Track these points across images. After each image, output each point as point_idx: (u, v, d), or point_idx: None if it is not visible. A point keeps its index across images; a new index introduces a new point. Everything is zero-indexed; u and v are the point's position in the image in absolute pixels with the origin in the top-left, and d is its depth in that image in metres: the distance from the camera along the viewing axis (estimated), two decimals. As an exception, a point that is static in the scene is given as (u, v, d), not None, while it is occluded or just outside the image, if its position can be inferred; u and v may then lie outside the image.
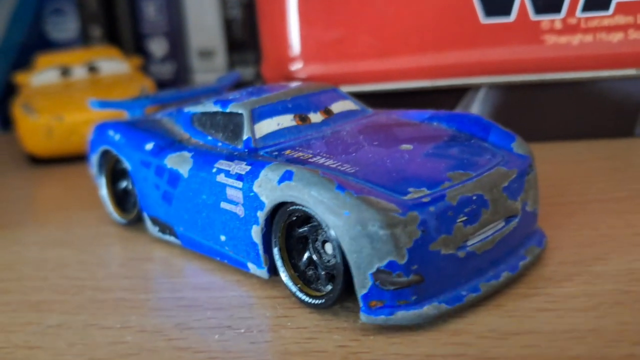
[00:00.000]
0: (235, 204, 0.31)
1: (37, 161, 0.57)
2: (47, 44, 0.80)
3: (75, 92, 0.58)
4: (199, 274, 0.34)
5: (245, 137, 0.33)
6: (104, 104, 0.44)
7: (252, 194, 0.30)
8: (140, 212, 0.39)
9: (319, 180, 0.27)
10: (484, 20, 0.49)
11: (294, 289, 0.29)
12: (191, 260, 0.35)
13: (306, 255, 0.30)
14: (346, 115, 0.37)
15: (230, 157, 0.32)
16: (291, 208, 0.28)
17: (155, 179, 0.36)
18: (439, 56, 0.51)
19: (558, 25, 0.48)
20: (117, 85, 0.60)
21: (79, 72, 0.63)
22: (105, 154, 0.41)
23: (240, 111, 0.34)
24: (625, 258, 0.31)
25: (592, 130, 0.50)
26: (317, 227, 0.29)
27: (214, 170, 0.32)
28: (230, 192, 0.31)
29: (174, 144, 0.36)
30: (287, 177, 0.28)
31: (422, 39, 0.50)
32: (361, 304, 0.26)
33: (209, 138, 0.35)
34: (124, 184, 0.41)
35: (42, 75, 0.62)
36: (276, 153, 0.32)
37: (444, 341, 0.26)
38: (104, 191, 0.41)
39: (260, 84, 0.58)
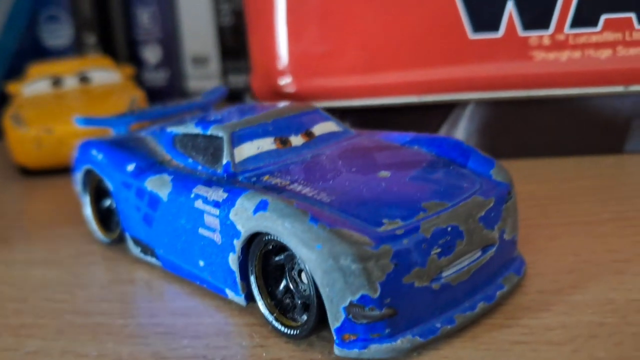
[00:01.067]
0: (213, 230, 0.31)
1: (27, 172, 0.57)
2: (41, 51, 0.81)
3: (65, 104, 0.58)
4: (178, 297, 0.34)
5: (224, 161, 0.33)
6: (88, 121, 0.44)
7: (228, 222, 0.30)
8: (122, 232, 0.39)
9: (292, 211, 0.27)
10: (472, 35, 0.49)
11: (270, 318, 0.29)
12: (172, 283, 0.35)
13: (283, 283, 0.30)
14: (327, 137, 0.37)
15: (209, 183, 0.32)
16: (266, 238, 0.28)
17: (136, 201, 0.36)
18: (427, 71, 0.50)
19: (546, 41, 0.48)
20: (107, 96, 0.60)
21: (70, 82, 0.63)
22: (88, 173, 0.41)
23: (220, 134, 0.34)
24: (604, 286, 0.31)
25: (580, 146, 0.50)
26: (293, 256, 0.29)
27: (192, 195, 0.32)
28: (208, 219, 0.31)
29: (154, 166, 0.36)
30: (262, 206, 0.28)
31: (410, 54, 0.50)
32: (335, 337, 0.26)
33: (190, 161, 0.35)
34: (107, 202, 0.41)
35: (34, 85, 0.62)
36: (254, 179, 0.32)
37: (416, 375, 0.26)
38: (88, 210, 0.41)
39: (250, 94, 0.57)
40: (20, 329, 0.32)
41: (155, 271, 0.37)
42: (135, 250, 0.38)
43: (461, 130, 0.52)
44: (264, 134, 0.35)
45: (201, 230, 0.32)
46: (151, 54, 0.80)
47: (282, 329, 0.29)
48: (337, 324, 0.26)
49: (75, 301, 0.34)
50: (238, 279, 0.30)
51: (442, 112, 0.52)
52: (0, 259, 0.41)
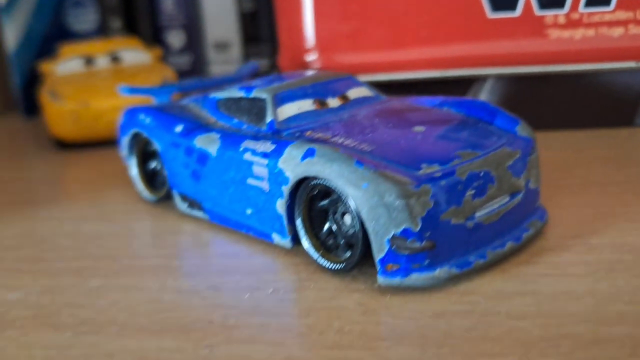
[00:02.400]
0: (261, 179, 0.34)
1: (64, 146, 0.59)
2: (67, 35, 0.83)
3: (99, 80, 0.61)
4: (226, 244, 0.37)
5: (268, 119, 0.36)
6: (132, 90, 0.47)
7: (276, 170, 0.32)
8: (169, 189, 0.41)
9: (339, 156, 0.30)
10: (490, 14, 0.52)
11: (315, 255, 0.32)
12: (218, 233, 0.38)
13: (326, 226, 0.32)
14: (362, 101, 0.39)
15: (256, 138, 0.35)
16: (313, 182, 0.31)
17: (184, 159, 0.39)
18: (448, 48, 0.53)
19: (561, 20, 0.51)
20: (139, 75, 0.63)
21: (102, 62, 0.66)
22: (135, 137, 0.43)
23: (263, 96, 0.37)
24: (620, 232, 0.34)
25: (593, 119, 0.53)
26: (337, 201, 0.31)
27: (241, 149, 0.35)
28: (257, 169, 0.34)
29: (201, 127, 0.39)
30: (309, 154, 0.31)
31: (432, 31, 0.53)
32: (378, 267, 0.29)
33: (235, 121, 0.38)
34: (152, 164, 0.44)
35: (67, 64, 0.65)
36: (298, 134, 0.35)
37: (454, 300, 0.28)
38: (134, 171, 0.44)
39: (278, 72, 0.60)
40: (82, 270, 0.35)
41: (202, 223, 0.40)
42: (182, 206, 0.40)
43: (480, 104, 0.55)
44: (303, 96, 0.38)
45: (250, 180, 0.34)
46: (175, 39, 0.82)
47: (328, 264, 0.32)
48: (381, 255, 0.29)
49: (130, 248, 0.37)
50: (285, 223, 0.33)
51: (463, 86, 0.55)
52: (49, 216, 0.44)
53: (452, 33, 0.53)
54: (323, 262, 0.32)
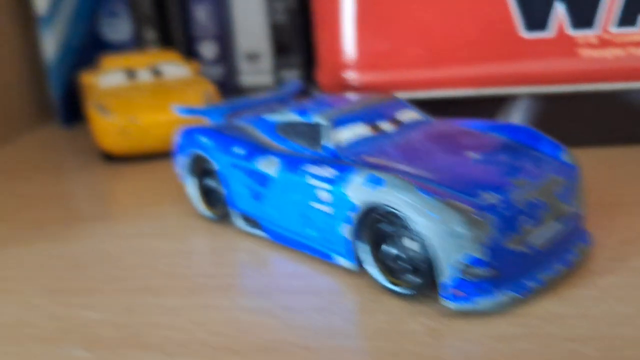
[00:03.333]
0: (325, 203, 0.36)
1: (110, 158, 0.62)
2: (102, 45, 0.86)
3: (145, 95, 0.63)
4: (287, 263, 0.39)
5: (327, 144, 0.38)
6: (188, 111, 0.49)
7: (342, 196, 0.35)
8: (228, 208, 0.44)
9: (407, 185, 0.32)
10: (524, 34, 0.54)
11: (381, 279, 0.34)
12: (277, 251, 0.40)
13: (390, 250, 0.35)
14: (412, 124, 0.42)
15: (317, 162, 0.37)
16: (380, 209, 0.33)
17: (245, 180, 0.41)
18: (483, 67, 0.55)
19: (593, 40, 0.53)
20: (182, 89, 0.65)
21: (144, 75, 0.68)
22: (195, 157, 0.46)
23: (321, 121, 0.39)
24: (662, 254, 0.36)
25: (624, 137, 0.55)
26: (402, 227, 0.34)
27: (303, 173, 0.37)
28: (320, 193, 0.36)
29: (261, 149, 0.41)
30: (377, 182, 0.33)
31: (467, 51, 0.55)
32: (445, 292, 0.32)
33: (293, 144, 0.40)
34: (209, 182, 0.46)
35: (109, 76, 0.67)
36: (357, 159, 0.37)
37: (513, 323, 0.31)
38: (193, 189, 0.46)
39: (313, 89, 0.62)
40: (157, 289, 0.37)
41: (260, 241, 0.42)
42: (241, 224, 0.43)
43: (513, 120, 0.57)
44: (358, 120, 0.40)
45: (312, 204, 0.37)
46: (207, 49, 0.84)
47: (394, 288, 0.34)
48: (448, 281, 0.31)
49: (197, 266, 0.40)
50: (350, 246, 0.35)
51: (496, 104, 0.57)
52: (113, 233, 0.46)
53: (486, 52, 0.55)
54: (390, 285, 0.34)
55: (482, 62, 0.55)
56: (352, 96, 0.46)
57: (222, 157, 0.43)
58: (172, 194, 0.52)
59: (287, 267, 0.39)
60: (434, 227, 0.31)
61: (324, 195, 0.36)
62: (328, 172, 0.36)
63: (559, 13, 0.54)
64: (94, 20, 0.85)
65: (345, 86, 0.58)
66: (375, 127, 0.40)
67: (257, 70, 0.86)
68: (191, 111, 0.49)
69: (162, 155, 0.62)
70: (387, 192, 0.33)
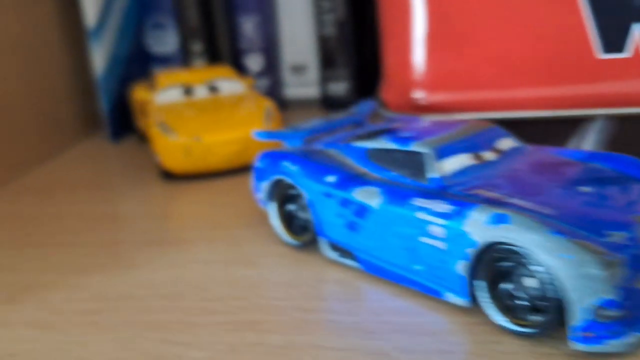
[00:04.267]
0: (438, 239, 0.34)
1: (171, 176, 0.60)
2: (148, 58, 0.85)
3: (207, 113, 0.62)
4: (389, 298, 0.37)
5: (432, 175, 0.37)
6: (268, 135, 0.48)
7: (460, 232, 0.33)
8: (316, 236, 0.42)
9: (536, 225, 0.31)
10: (600, 55, 0.53)
11: (499, 318, 0.33)
12: (375, 284, 0.39)
13: (508, 287, 0.33)
14: (512, 152, 0.40)
15: (425, 195, 0.36)
16: (501, 247, 0.32)
17: (338, 209, 0.40)
18: (558, 88, 0.54)
19: (673, 60, 0.51)
20: (241, 106, 0.64)
21: (201, 92, 0.67)
22: (277, 182, 0.44)
23: (423, 150, 0.38)
24: None
25: None
26: (522, 264, 0.32)
27: (411, 206, 0.36)
28: (433, 229, 0.35)
29: (356, 178, 0.40)
30: (502, 220, 0.32)
31: (542, 72, 0.54)
32: (574, 334, 0.30)
33: (391, 174, 0.39)
34: (292, 208, 0.45)
35: (166, 93, 0.66)
36: (468, 192, 0.35)
37: (645, 367, 0.29)
38: (274, 215, 0.45)
39: (381, 106, 0.60)
40: (256, 324, 0.36)
41: (349, 272, 0.41)
42: (331, 254, 0.41)
43: (589, 142, 0.55)
44: (461, 150, 0.38)
45: (422, 238, 0.35)
46: (253, 62, 0.83)
47: (515, 328, 0.32)
48: (579, 324, 0.30)
49: (290, 298, 0.38)
50: (465, 283, 0.34)
51: (571, 124, 0.56)
52: (192, 258, 0.45)
53: (562, 73, 0.54)
54: (510, 325, 0.33)
55: (557, 84, 0.54)
56: (449, 123, 0.44)
57: (311, 185, 0.41)
58: (244, 216, 0.51)
59: (386, 301, 0.37)
60: (566, 269, 0.29)
61: (437, 231, 0.34)
62: (442, 207, 0.34)
63: (637, 34, 0.52)
64: (140, 32, 0.84)
65: (414, 106, 0.57)
66: (478, 157, 0.39)
67: (302, 82, 0.85)
68: (271, 135, 0.48)
69: (222, 173, 0.61)
70: (511, 229, 0.31)
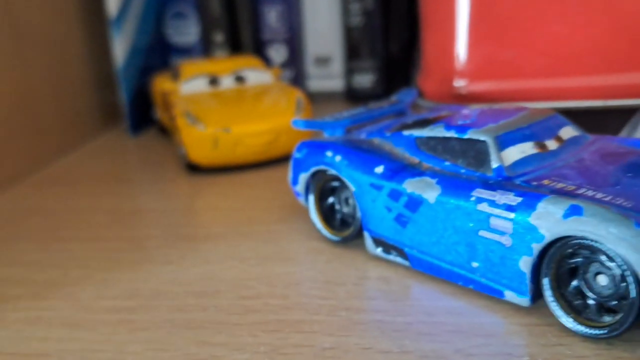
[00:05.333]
0: (502, 233, 0.32)
1: (196, 169, 0.58)
2: (167, 48, 0.82)
3: (235, 103, 0.59)
4: (442, 297, 0.35)
5: (494, 165, 0.34)
6: (307, 124, 0.45)
7: (527, 225, 0.30)
8: (359, 231, 0.40)
9: (615, 217, 0.28)
10: (656, 41, 0.50)
11: (566, 318, 0.30)
12: (425, 282, 0.36)
13: (574, 284, 0.30)
14: (575, 141, 0.37)
15: (488, 186, 0.33)
16: (573, 242, 0.29)
17: (387, 202, 0.37)
18: (611, 77, 0.51)
19: None
20: (270, 96, 0.61)
21: (227, 82, 0.64)
22: (317, 174, 0.42)
23: (482, 138, 0.35)
24: None
25: None
26: (591, 260, 0.29)
27: (473, 198, 0.33)
28: (496, 222, 0.32)
29: (407, 168, 0.37)
30: (575, 211, 0.29)
31: (595, 59, 0.51)
32: (659, 339, 0.27)
33: (447, 164, 0.36)
34: (333, 202, 0.42)
35: (191, 83, 0.64)
36: (535, 183, 0.33)
37: None
38: (313, 209, 0.42)
39: (420, 95, 0.57)
40: (301, 324, 0.33)
41: (395, 268, 0.38)
42: (375, 249, 0.39)
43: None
44: (523, 138, 0.36)
45: (483, 233, 0.32)
46: (276, 53, 0.81)
47: (585, 329, 0.30)
48: (665, 326, 0.27)
49: (336, 297, 0.35)
50: (528, 281, 0.31)
51: (623, 114, 0.53)
52: (228, 255, 0.42)
53: (616, 61, 0.51)
54: (577, 327, 0.30)
55: (610, 72, 0.51)
56: (507, 110, 0.41)
57: (359, 177, 0.39)
58: (277, 210, 0.48)
59: (438, 301, 0.34)
60: (653, 266, 0.27)
61: (502, 224, 0.32)
62: (508, 198, 0.32)
63: (694, 19, 0.49)
64: (160, 22, 0.81)
65: (454, 95, 0.54)
66: (541, 146, 0.36)
67: (325, 74, 0.82)
68: (310, 124, 0.45)
69: (248, 166, 0.58)
70: (587, 222, 0.28)
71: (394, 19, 0.82)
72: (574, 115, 0.53)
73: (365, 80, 0.80)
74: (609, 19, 0.50)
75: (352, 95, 0.81)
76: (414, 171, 0.37)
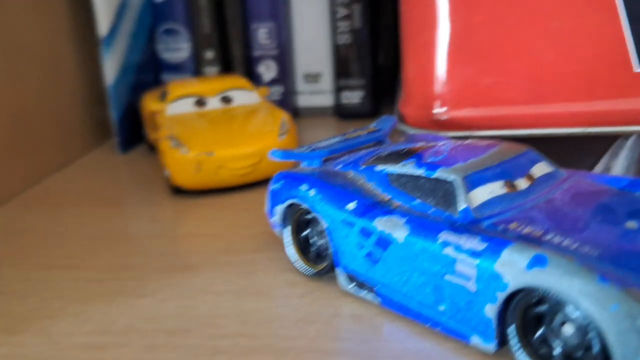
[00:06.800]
0: (467, 279, 0.32)
1: (179, 192, 0.58)
2: (159, 65, 0.82)
3: (219, 126, 0.59)
4: (409, 338, 0.34)
5: (461, 206, 0.34)
6: (285, 155, 0.45)
7: (491, 273, 0.30)
8: (332, 265, 0.40)
9: (578, 269, 0.28)
10: (638, 69, 0.49)
11: (531, 365, 0.30)
12: (394, 322, 0.36)
13: (540, 333, 0.30)
14: (546, 179, 0.37)
15: (454, 229, 0.33)
16: (537, 293, 0.29)
17: (359, 239, 0.37)
18: (592, 104, 0.51)
19: None
20: (256, 118, 0.61)
21: (213, 103, 0.64)
22: (292, 206, 0.42)
23: (451, 179, 0.35)
24: None
25: None
26: (556, 309, 0.29)
27: (439, 241, 0.33)
28: (461, 267, 0.32)
29: (378, 206, 0.37)
30: (539, 262, 0.29)
31: (576, 86, 0.51)
32: (619, 393, 0.27)
33: (416, 202, 0.36)
34: (308, 235, 0.42)
35: (177, 104, 0.64)
36: (502, 226, 0.32)
37: None
38: (289, 242, 0.42)
39: (400, 120, 0.57)
40: (269, 365, 0.33)
41: (367, 307, 0.38)
42: (348, 285, 0.39)
43: (622, 159, 0.52)
44: (492, 177, 0.35)
45: (449, 277, 0.32)
46: (266, 70, 0.81)
47: (549, 378, 0.30)
48: (626, 381, 0.27)
49: (308, 337, 0.35)
50: (494, 327, 0.31)
51: (604, 141, 0.52)
52: (199, 287, 0.42)
53: (597, 88, 0.50)
54: (543, 375, 0.30)
55: (591, 99, 0.51)
56: (479, 146, 0.40)
57: (331, 212, 0.38)
58: (257, 238, 0.48)
59: (407, 342, 0.34)
60: (614, 322, 0.26)
61: (466, 270, 0.32)
62: (473, 243, 0.31)
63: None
64: (152, 39, 0.81)
65: (434, 121, 0.54)
66: (511, 185, 0.36)
67: (314, 90, 0.82)
68: (288, 155, 0.45)
69: (233, 189, 0.58)
70: (550, 273, 0.28)
71: (382, 37, 0.82)
72: (555, 140, 0.53)
73: (354, 97, 0.80)
74: (591, 45, 0.50)
75: (341, 112, 0.81)
76: (384, 209, 0.36)
